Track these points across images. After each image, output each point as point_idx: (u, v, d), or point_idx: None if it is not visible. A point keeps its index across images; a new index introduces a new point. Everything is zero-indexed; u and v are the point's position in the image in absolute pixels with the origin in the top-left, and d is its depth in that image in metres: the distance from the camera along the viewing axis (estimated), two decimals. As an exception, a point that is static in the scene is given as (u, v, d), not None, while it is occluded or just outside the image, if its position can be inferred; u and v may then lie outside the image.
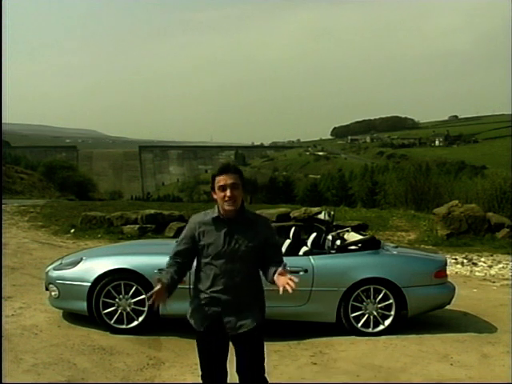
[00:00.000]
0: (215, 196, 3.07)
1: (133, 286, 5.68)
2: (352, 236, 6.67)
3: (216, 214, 3.08)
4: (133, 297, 5.68)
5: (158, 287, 2.89)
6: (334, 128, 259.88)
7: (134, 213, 13.28)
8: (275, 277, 2.92)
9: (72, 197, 28.96)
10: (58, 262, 6.25)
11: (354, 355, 5.24)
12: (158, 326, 5.71)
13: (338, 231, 6.87)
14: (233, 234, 3.04)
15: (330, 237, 6.56)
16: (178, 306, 5.47)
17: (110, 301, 5.68)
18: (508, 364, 5.01)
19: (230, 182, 3.00)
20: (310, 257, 5.93)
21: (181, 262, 3.12)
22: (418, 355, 5.29)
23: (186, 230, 3.15)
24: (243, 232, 3.05)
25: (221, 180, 3.01)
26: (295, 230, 6.67)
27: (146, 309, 5.67)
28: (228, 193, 2.98)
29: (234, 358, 3.18)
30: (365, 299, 5.85)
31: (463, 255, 11.13)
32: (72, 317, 5.98)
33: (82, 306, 5.71)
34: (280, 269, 2.92)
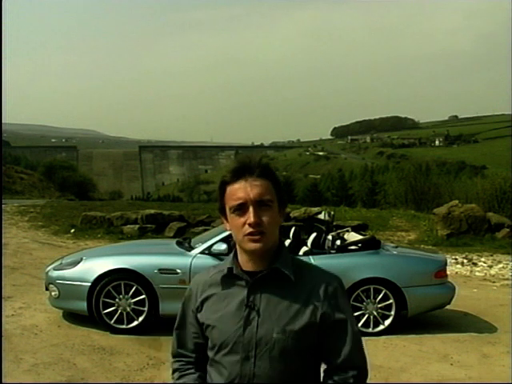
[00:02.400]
0: (228, 226, 1.61)
1: (133, 285, 5.68)
2: (352, 236, 6.67)
3: (229, 266, 1.60)
4: (133, 297, 5.68)
5: None
6: (334, 128, 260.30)
7: (134, 213, 13.29)
8: None
9: (72, 197, 28.97)
10: (58, 262, 6.25)
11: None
12: (157, 326, 5.71)
13: (338, 231, 6.88)
14: (255, 307, 1.56)
15: (329, 237, 6.56)
16: (178, 306, 5.48)
17: (110, 301, 5.68)
18: (508, 364, 5.01)
19: (256, 194, 1.52)
20: (310, 257, 5.93)
21: (192, 361, 1.71)
22: (418, 355, 5.29)
23: (182, 303, 1.74)
24: (278, 302, 1.56)
25: (237, 191, 1.53)
26: (295, 230, 6.67)
27: (146, 309, 5.67)
28: (252, 216, 1.51)
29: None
30: (365, 299, 5.86)
31: (463, 255, 11.13)
32: (72, 317, 5.98)
33: (82, 305, 5.71)
34: None
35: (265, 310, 1.55)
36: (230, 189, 1.55)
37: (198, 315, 1.65)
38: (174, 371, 1.75)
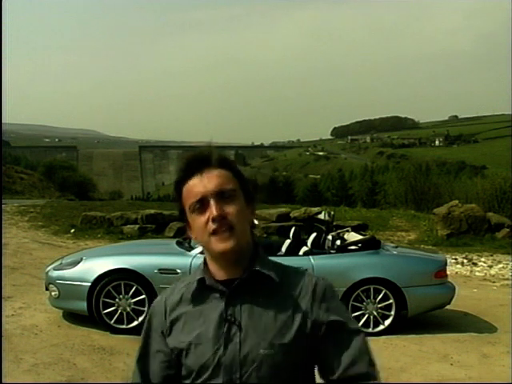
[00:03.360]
0: (191, 233, 1.40)
1: (133, 285, 5.68)
2: (352, 236, 6.67)
3: (199, 277, 1.37)
4: (133, 297, 5.68)
5: None
6: (334, 128, 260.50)
7: (134, 213, 13.28)
8: None
9: (72, 197, 28.96)
10: (58, 262, 6.25)
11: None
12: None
13: (338, 231, 6.87)
14: (236, 320, 1.32)
15: (329, 237, 6.56)
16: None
17: (110, 301, 5.68)
18: (508, 364, 5.01)
19: (214, 185, 1.32)
20: (310, 257, 5.93)
21: None
22: (418, 355, 5.29)
23: (144, 330, 1.45)
24: (261, 312, 1.33)
25: (193, 187, 1.34)
26: (295, 230, 6.67)
27: (145, 309, 5.67)
28: (214, 210, 1.29)
29: None
30: (365, 299, 5.86)
31: (463, 255, 11.13)
32: (72, 317, 5.98)
33: (82, 305, 5.71)
34: None
35: (247, 323, 1.30)
36: (185, 187, 1.34)
37: (168, 340, 1.37)
38: None
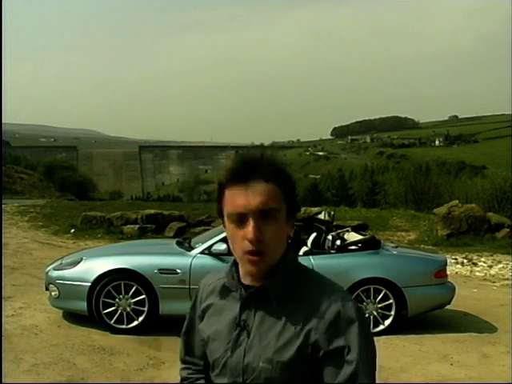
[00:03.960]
0: (227, 233, 1.36)
1: (133, 285, 5.68)
2: (352, 236, 6.67)
3: (226, 275, 1.42)
4: (133, 297, 5.68)
5: None
6: (334, 128, 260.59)
7: (134, 213, 13.29)
8: None
9: (72, 197, 28.97)
10: (58, 262, 6.25)
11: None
12: (157, 326, 5.71)
13: (338, 231, 6.87)
14: (247, 327, 1.34)
15: (329, 237, 6.56)
16: (177, 306, 5.49)
17: (110, 301, 5.68)
18: (508, 364, 5.01)
19: (258, 204, 1.26)
20: (310, 257, 5.93)
21: (201, 369, 1.55)
22: (418, 355, 5.29)
23: (191, 307, 1.55)
24: (271, 324, 1.32)
25: (236, 197, 1.28)
26: (295, 230, 6.67)
27: (145, 309, 5.67)
28: (251, 231, 1.26)
29: None
30: (365, 299, 5.86)
31: (463, 255, 11.13)
32: (72, 317, 5.98)
33: (82, 305, 5.71)
34: None
35: (256, 333, 1.31)
36: (228, 193, 1.28)
37: (200, 324, 1.47)
38: (182, 379, 1.57)
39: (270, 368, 1.28)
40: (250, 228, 1.24)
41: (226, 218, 1.31)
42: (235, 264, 1.37)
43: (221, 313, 1.39)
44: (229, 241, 1.34)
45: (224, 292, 1.39)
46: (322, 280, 1.37)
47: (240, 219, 1.26)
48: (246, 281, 1.35)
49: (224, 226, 1.35)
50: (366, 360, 1.28)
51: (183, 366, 1.58)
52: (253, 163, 1.28)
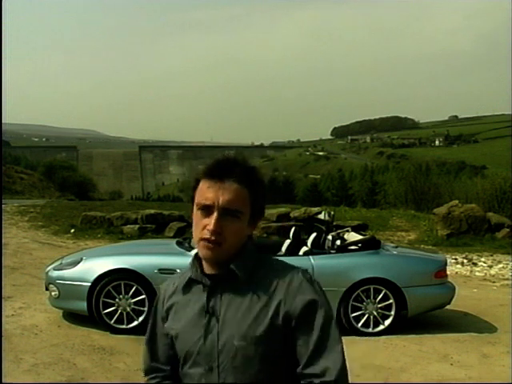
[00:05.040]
0: (193, 222, 1.46)
1: (133, 285, 5.68)
2: (352, 236, 6.67)
3: (190, 270, 1.50)
4: (133, 297, 5.68)
5: None
6: (334, 128, 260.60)
7: (134, 213, 13.28)
8: None
9: (72, 197, 28.95)
10: (58, 262, 6.25)
11: (354, 355, 5.23)
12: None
13: (338, 231, 6.87)
14: (216, 312, 1.42)
15: (329, 237, 6.56)
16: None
17: (110, 301, 5.68)
18: (508, 364, 5.01)
19: (224, 201, 1.38)
20: (310, 257, 5.93)
21: (168, 375, 1.57)
22: (418, 355, 5.29)
23: (152, 314, 1.62)
24: (238, 305, 1.41)
25: (207, 190, 1.40)
26: (295, 230, 6.67)
27: (145, 309, 5.67)
28: (212, 223, 1.37)
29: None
30: (365, 299, 5.86)
31: (463, 255, 11.13)
32: (72, 317, 5.98)
33: (82, 305, 5.71)
34: None
35: (225, 316, 1.40)
36: (202, 184, 1.41)
37: (165, 325, 1.53)
38: None
39: (244, 345, 1.37)
40: (212, 220, 1.37)
41: (195, 205, 1.43)
42: (197, 258, 1.47)
43: (186, 307, 1.47)
44: (192, 225, 1.44)
45: (187, 287, 1.48)
46: (282, 262, 1.50)
47: (206, 210, 1.39)
48: (208, 270, 1.44)
49: (191, 212, 1.45)
50: (329, 322, 1.38)
51: (149, 376, 1.59)
52: (229, 164, 1.41)
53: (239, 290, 1.42)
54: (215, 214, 1.37)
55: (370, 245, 6.26)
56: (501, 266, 10.22)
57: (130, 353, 5.14)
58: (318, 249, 6.31)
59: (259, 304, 1.39)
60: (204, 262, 1.45)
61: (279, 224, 12.36)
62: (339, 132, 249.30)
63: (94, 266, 5.83)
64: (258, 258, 1.47)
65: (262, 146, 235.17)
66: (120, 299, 5.68)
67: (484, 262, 10.51)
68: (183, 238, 7.19)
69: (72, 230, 12.77)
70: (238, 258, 1.42)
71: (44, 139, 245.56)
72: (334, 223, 7.55)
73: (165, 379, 1.56)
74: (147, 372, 1.60)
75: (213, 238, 1.37)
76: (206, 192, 1.39)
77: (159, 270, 5.71)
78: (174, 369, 1.54)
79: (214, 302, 1.42)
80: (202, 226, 1.39)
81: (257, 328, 1.37)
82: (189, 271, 1.48)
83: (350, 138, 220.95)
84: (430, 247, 11.81)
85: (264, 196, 1.47)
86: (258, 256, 1.48)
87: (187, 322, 1.45)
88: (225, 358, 1.39)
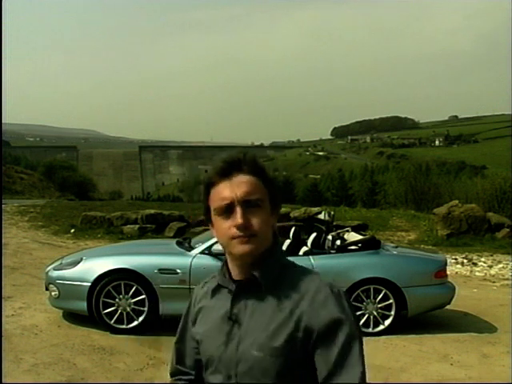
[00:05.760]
0: (214, 233, 1.43)
1: (133, 285, 5.68)
2: (352, 236, 6.67)
3: (218, 274, 1.47)
4: (133, 297, 5.68)
5: None
6: (334, 128, 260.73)
7: (134, 213, 13.29)
8: None
9: (72, 197, 28.96)
10: (58, 262, 6.25)
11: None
12: (157, 325, 5.70)
13: (338, 231, 6.87)
14: (239, 320, 1.38)
15: (329, 237, 6.56)
16: (178, 306, 5.49)
17: (110, 301, 5.68)
18: (508, 364, 5.01)
19: (243, 193, 1.34)
20: (310, 257, 5.93)
21: (192, 379, 1.54)
22: (418, 355, 5.29)
23: (184, 315, 1.58)
24: (261, 314, 1.36)
25: (222, 191, 1.36)
26: (295, 230, 6.67)
27: (145, 309, 5.67)
28: (239, 217, 1.32)
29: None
30: (365, 299, 5.86)
31: (463, 255, 11.13)
32: (72, 317, 5.98)
33: (82, 305, 5.71)
34: None
35: (248, 324, 1.35)
36: (214, 189, 1.36)
37: (193, 328, 1.49)
38: None
39: (262, 356, 1.31)
40: (237, 216, 1.31)
41: (213, 215, 1.37)
42: (226, 263, 1.42)
43: (212, 311, 1.43)
44: (216, 235, 1.39)
45: (215, 291, 1.44)
46: (307, 270, 1.44)
47: (227, 210, 1.33)
48: (237, 276, 1.39)
49: (211, 227, 1.40)
50: (355, 338, 1.32)
51: (173, 378, 1.57)
52: (235, 159, 1.37)
53: (263, 298, 1.36)
54: (238, 209, 1.32)
55: (370, 245, 6.26)
56: (501, 265, 10.22)
57: (130, 353, 5.14)
58: (318, 249, 6.32)
59: (282, 314, 1.33)
60: (233, 267, 1.40)
61: (279, 224, 12.32)
62: (339, 132, 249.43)
63: (94, 265, 5.83)
64: (283, 265, 1.42)
65: (262, 146, 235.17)
66: (120, 299, 5.68)
67: (484, 262, 10.52)
68: (183, 238, 7.19)
69: (72, 230, 12.77)
70: (264, 263, 1.37)
71: (38, 139, 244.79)
72: (334, 223, 7.56)
73: (189, 383, 1.53)
74: (172, 374, 1.58)
75: (244, 232, 1.31)
76: (221, 193, 1.34)
77: (159, 269, 5.71)
78: (199, 374, 1.49)
79: (238, 309, 1.37)
80: (228, 227, 1.32)
81: (276, 339, 1.31)
82: (217, 276, 1.45)
83: (349, 137, 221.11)
84: (430, 247, 11.82)
85: (276, 187, 1.44)
86: (283, 262, 1.43)
87: (211, 326, 1.41)
88: (243, 368, 1.34)
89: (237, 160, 1.37)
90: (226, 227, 1.33)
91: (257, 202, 1.34)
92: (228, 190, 1.33)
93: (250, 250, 1.32)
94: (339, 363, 1.28)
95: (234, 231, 1.32)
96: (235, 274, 1.39)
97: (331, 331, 1.30)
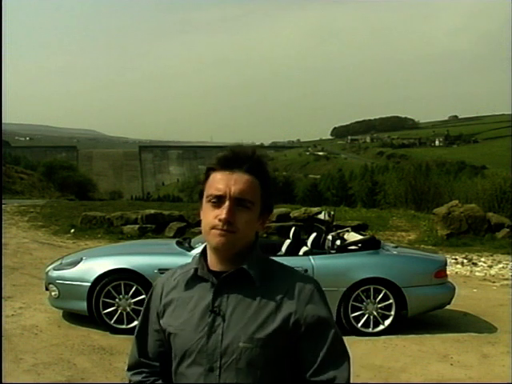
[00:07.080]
0: (201, 214, 1.43)
1: (133, 285, 5.68)
2: (352, 236, 6.67)
3: (195, 266, 1.45)
4: (133, 297, 5.68)
5: None
6: (334, 128, 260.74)
7: (134, 213, 13.28)
8: None
9: (72, 197, 28.96)
10: (58, 262, 6.25)
11: (354, 355, 5.20)
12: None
13: (338, 231, 6.87)
14: (221, 312, 1.39)
15: (329, 237, 6.56)
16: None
17: (110, 301, 5.68)
18: (508, 364, 5.01)
19: (237, 190, 1.36)
20: (310, 257, 5.93)
21: (157, 371, 1.52)
22: (418, 355, 5.29)
23: (144, 308, 1.56)
24: (246, 307, 1.39)
25: (219, 181, 1.38)
26: (295, 230, 6.67)
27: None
28: (224, 212, 1.35)
29: None
30: (365, 299, 5.86)
31: (463, 255, 11.12)
32: (72, 317, 5.98)
33: (82, 305, 5.71)
34: None
35: (231, 316, 1.37)
36: (213, 176, 1.39)
37: (161, 321, 1.47)
38: None
39: (250, 347, 1.35)
40: (224, 209, 1.34)
41: (204, 199, 1.40)
42: (203, 254, 1.44)
43: (187, 304, 1.43)
44: (201, 219, 1.41)
45: (190, 283, 1.44)
46: (289, 267, 1.48)
47: (217, 201, 1.36)
48: (215, 268, 1.41)
49: (200, 208, 1.42)
50: (338, 335, 1.42)
51: (135, 371, 1.54)
52: (241, 155, 1.39)
53: (247, 292, 1.39)
54: (227, 204, 1.35)
55: (370, 245, 6.26)
56: (501, 266, 10.22)
57: (130, 353, 5.14)
58: (317, 249, 6.31)
59: (268, 308, 1.37)
60: (210, 258, 1.42)
61: (279, 224, 12.36)
62: (339, 132, 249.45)
63: (93, 265, 5.83)
64: (265, 260, 1.45)
65: (262, 146, 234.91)
66: (120, 299, 5.68)
67: (484, 262, 10.51)
68: (183, 238, 7.19)
69: (72, 230, 12.77)
70: (249, 259, 1.40)
71: (30, 138, 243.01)
72: (334, 223, 7.55)
73: (152, 375, 1.51)
74: (132, 367, 1.54)
75: (225, 227, 1.34)
76: (217, 183, 1.37)
77: (159, 269, 5.70)
78: (163, 366, 1.49)
79: (220, 302, 1.38)
80: (213, 216, 1.35)
81: (264, 331, 1.35)
82: (192, 267, 1.45)
83: (349, 138, 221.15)
84: (430, 247, 11.81)
85: (272, 192, 1.46)
86: (264, 257, 1.46)
87: (188, 319, 1.41)
88: (228, 359, 1.36)
89: (243, 155, 1.39)
90: (212, 216, 1.36)
91: (247, 204, 1.36)
92: (224, 183, 1.36)
93: (225, 243, 1.35)
94: (329, 357, 1.37)
95: (217, 222, 1.35)
96: (215, 266, 1.41)
97: (320, 327, 1.38)
